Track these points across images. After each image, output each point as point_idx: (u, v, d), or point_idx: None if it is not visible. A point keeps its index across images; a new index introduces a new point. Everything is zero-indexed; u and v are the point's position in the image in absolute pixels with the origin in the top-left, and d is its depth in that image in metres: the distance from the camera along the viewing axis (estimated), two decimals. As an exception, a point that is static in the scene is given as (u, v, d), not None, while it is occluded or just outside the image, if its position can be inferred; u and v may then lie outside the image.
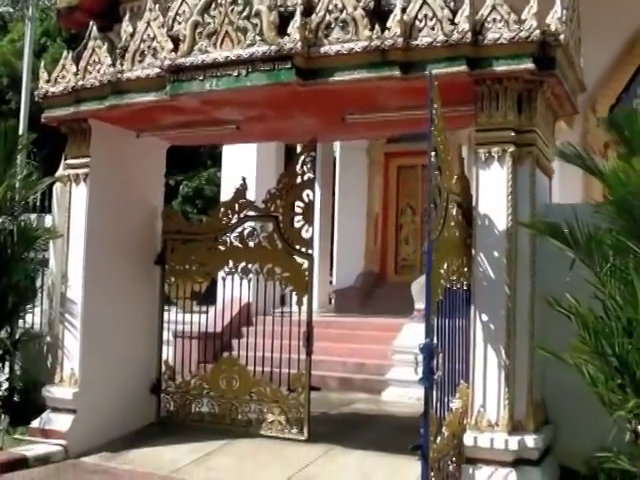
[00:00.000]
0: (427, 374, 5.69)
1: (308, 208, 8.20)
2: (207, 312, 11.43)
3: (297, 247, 8.21)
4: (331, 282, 16.55)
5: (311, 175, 8.21)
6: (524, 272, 6.36)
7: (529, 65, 6.13)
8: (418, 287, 10.92)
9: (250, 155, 13.98)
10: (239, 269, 8.44)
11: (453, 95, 6.39)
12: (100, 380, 7.83)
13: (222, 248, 8.53)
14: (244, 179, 8.58)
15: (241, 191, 8.52)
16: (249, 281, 8.48)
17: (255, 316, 12.33)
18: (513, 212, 6.34)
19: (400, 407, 10.04)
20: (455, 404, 6.30)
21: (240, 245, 8.47)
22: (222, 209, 8.53)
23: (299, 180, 8.24)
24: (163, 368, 8.68)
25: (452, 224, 6.38)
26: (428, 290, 5.76)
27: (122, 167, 8.22)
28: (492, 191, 6.41)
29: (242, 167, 12.93)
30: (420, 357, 5.83)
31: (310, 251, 8.18)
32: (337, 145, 16.84)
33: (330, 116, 7.56)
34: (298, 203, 8.22)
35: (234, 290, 8.54)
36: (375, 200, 16.80)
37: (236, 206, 8.51)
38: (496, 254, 6.34)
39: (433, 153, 5.92)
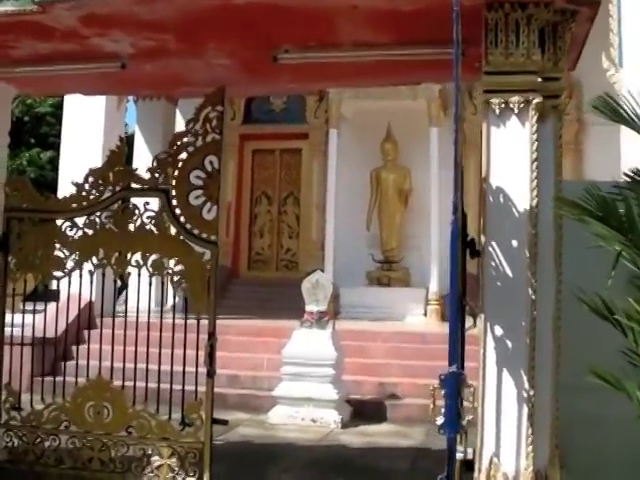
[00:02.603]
0: (452, 418, 3.75)
1: (212, 179, 5.94)
2: (34, 312, 8.94)
3: (195, 232, 5.94)
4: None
5: (217, 136, 5.96)
6: (547, 268, 4.56)
7: (571, -15, 4.34)
8: (309, 285, 9.03)
9: (96, 135, 11.55)
10: (112, 260, 6.06)
11: (443, 27, 4.51)
12: None
13: (90, 232, 6.09)
14: (122, 139, 6.21)
15: (117, 155, 6.11)
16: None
17: (101, 317, 9.88)
18: (539, 185, 4.49)
19: (297, 432, 8.08)
20: (464, 453, 4.33)
21: (115, 228, 6.08)
22: (90, 179, 6.07)
23: (200, 142, 5.97)
24: (4, 394, 6.12)
25: (457, 199, 4.46)
26: (453, 292, 3.85)
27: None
28: (509, 156, 4.56)
29: (85, 147, 10.93)
30: (440, 393, 3.89)
31: (214, 237, 5.95)
32: (180, 122, 14.56)
33: (256, 53, 5.40)
34: (198, 173, 5.96)
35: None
36: (227, 187, 14.62)
37: (110, 175, 6.07)
38: (515, 243, 4.50)
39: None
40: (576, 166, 12.68)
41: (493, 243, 4.49)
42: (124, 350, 6.08)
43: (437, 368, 9.61)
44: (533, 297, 4.41)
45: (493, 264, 4.49)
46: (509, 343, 4.43)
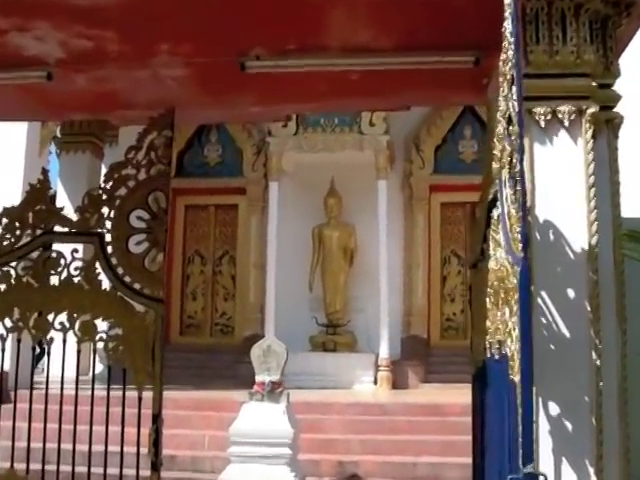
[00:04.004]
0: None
1: (157, 221, 4.71)
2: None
3: (136, 286, 4.67)
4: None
5: (164, 167, 4.73)
6: (609, 325, 3.45)
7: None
8: (260, 352, 7.73)
9: (14, 184, 10.10)
10: (31, 322, 4.70)
11: (461, 27, 3.57)
12: None
13: (2, 286, 4.73)
14: (45, 171, 4.91)
15: (39, 191, 4.82)
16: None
17: (15, 390, 8.33)
18: (600, 218, 3.41)
19: (249, 528, 6.65)
20: None
21: (34, 282, 4.73)
22: (4, 220, 4.75)
23: (142, 175, 4.73)
24: None
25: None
26: (527, 359, 2.66)
27: None
28: (559, 181, 3.47)
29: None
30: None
31: (159, 293, 4.67)
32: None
33: (219, 59, 4.25)
34: (140, 213, 4.71)
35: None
36: (157, 245, 13.26)
37: (29, 216, 4.77)
38: (571, 294, 3.37)
39: (515, 105, 2.88)
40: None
41: (543, 294, 3.37)
42: (44, 428, 4.70)
43: (401, 443, 8.44)
44: (598, 363, 3.30)
45: (544, 321, 3.36)
46: (569, 425, 3.28)
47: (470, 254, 4.24)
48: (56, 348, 4.75)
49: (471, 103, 4.44)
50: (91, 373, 4.97)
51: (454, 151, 12.77)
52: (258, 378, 7.65)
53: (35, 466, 4.70)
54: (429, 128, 12.64)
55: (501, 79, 3.12)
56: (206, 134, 13.60)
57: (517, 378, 2.73)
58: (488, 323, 3.47)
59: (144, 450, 4.63)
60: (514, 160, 2.85)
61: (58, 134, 12.72)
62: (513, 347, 2.87)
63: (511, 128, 2.91)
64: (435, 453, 8.07)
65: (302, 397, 9.43)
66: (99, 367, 4.85)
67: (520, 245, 2.73)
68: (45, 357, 5.05)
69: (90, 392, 4.74)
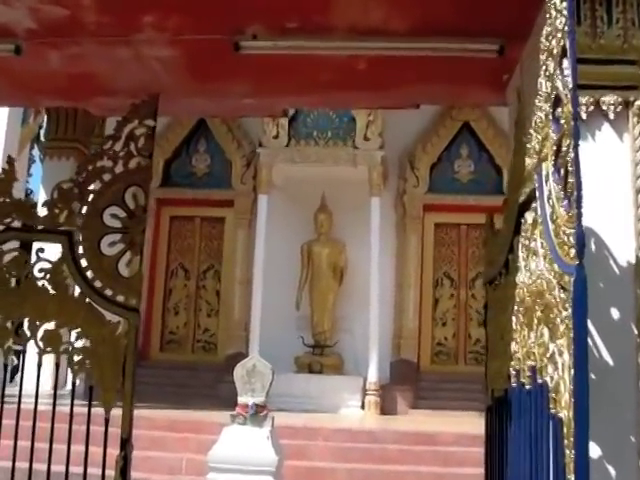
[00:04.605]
0: None
1: (135, 220, 4.17)
2: None
3: (108, 293, 4.13)
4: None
5: (144, 161, 4.20)
6: (656, 350, 2.92)
7: None
8: (244, 372, 7.17)
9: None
10: (-14, 330, 4.13)
11: (494, 6, 3.12)
12: None
13: (-44, 288, 4.17)
14: (11, 159, 4.38)
15: (3, 182, 4.27)
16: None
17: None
18: (648, 226, 2.91)
19: None
20: None
21: (-8, 284, 4.18)
22: (-39, 214, 4.19)
23: (120, 168, 4.20)
24: None
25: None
26: (583, 392, 2.14)
27: None
28: (602, 182, 2.95)
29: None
30: None
31: (134, 301, 4.13)
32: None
33: (211, 37, 3.73)
34: (115, 210, 4.18)
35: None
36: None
37: (-10, 210, 4.23)
38: (616, 314, 2.85)
39: (568, 82, 2.37)
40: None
41: (582, 312, 2.83)
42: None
43: (392, 473, 7.85)
44: (647, 396, 2.77)
45: (583, 345, 2.82)
46: (612, 469, 2.75)
47: (488, 269, 3.72)
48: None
49: (487, 102, 3.95)
50: (54, 388, 4.40)
51: (449, 170, 12.33)
52: (241, 400, 7.07)
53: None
54: (425, 146, 12.19)
55: (543, 57, 2.62)
56: (194, 143, 13.11)
57: (565, 414, 2.20)
58: (514, 346, 2.95)
59: (110, 473, 4.08)
60: (564, 147, 2.33)
61: (42, 137, 12.19)
62: (557, 376, 2.34)
63: (559, 110, 2.40)
64: (427, 485, 7.54)
65: (286, 421, 8.87)
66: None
67: (572, 250, 2.21)
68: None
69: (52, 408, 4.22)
